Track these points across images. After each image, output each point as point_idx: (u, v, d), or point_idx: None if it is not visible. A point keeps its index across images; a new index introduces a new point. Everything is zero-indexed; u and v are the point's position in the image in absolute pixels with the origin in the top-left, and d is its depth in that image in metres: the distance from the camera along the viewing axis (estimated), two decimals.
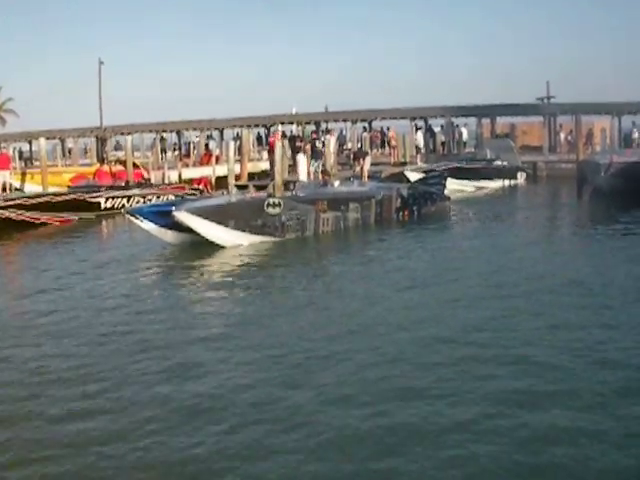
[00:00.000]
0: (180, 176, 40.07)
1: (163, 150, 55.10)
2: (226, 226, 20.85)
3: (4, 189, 34.57)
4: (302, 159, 27.61)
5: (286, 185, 24.72)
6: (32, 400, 9.42)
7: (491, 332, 11.71)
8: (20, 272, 20.42)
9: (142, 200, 30.85)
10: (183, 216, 20.44)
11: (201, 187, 34.55)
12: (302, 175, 24.40)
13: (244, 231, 21.13)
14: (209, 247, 20.59)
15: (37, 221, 28.49)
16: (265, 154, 45.70)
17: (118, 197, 31.44)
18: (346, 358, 10.64)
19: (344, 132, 55.32)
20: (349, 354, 10.83)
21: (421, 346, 11.11)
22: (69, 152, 63.14)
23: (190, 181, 37.40)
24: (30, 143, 66.42)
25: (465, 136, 50.99)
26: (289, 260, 19.61)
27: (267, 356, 10.84)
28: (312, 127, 54.28)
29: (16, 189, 35.58)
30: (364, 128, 54.46)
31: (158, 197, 31.67)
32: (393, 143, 47.49)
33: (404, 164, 40.21)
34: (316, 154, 34.89)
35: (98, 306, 14.54)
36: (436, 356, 10.61)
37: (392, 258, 19.13)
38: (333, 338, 11.62)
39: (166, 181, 37.96)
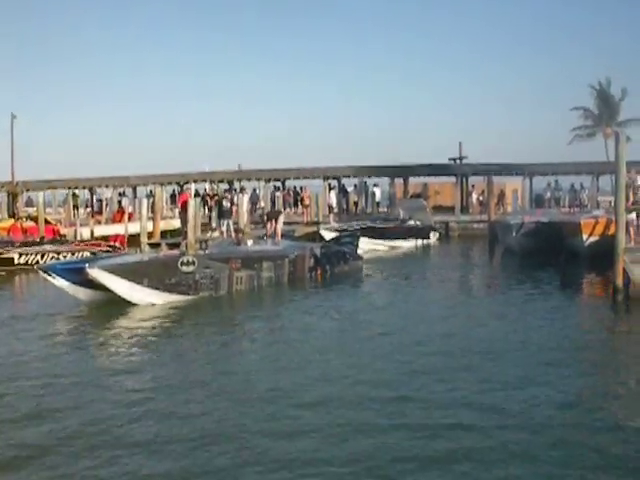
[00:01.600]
0: (92, 233, 39.75)
1: (75, 207, 54.61)
2: (139, 284, 20.77)
3: None
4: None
5: (199, 243, 24.78)
6: None
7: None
8: None
9: (56, 256, 30.56)
10: (96, 273, 20.32)
11: (117, 244, 34.37)
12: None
13: (158, 289, 21.09)
14: (122, 305, 20.42)
15: None
16: (177, 212, 45.81)
17: (32, 253, 31.05)
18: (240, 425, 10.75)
19: (257, 191, 55.70)
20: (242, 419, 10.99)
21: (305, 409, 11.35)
22: None
23: (104, 238, 37.12)
24: None
25: (378, 196, 51.69)
26: (201, 319, 19.55)
27: (174, 423, 10.86)
28: (225, 186, 54.64)
29: None
30: (276, 187, 54.92)
31: (73, 254, 31.23)
32: (306, 202, 47.96)
33: (317, 223, 40.72)
34: (223, 213, 35.19)
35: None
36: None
37: (302, 318, 19.30)
38: (230, 407, 11.56)
39: (78, 238, 37.63)
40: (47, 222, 40.93)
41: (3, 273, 29.49)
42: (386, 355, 14.76)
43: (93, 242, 34.93)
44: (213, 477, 8.88)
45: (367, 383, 12.70)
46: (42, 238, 34.92)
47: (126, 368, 14.24)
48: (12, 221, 40.87)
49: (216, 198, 37.91)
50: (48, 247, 32.16)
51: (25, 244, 32.42)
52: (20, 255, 30.81)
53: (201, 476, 8.89)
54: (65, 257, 30.29)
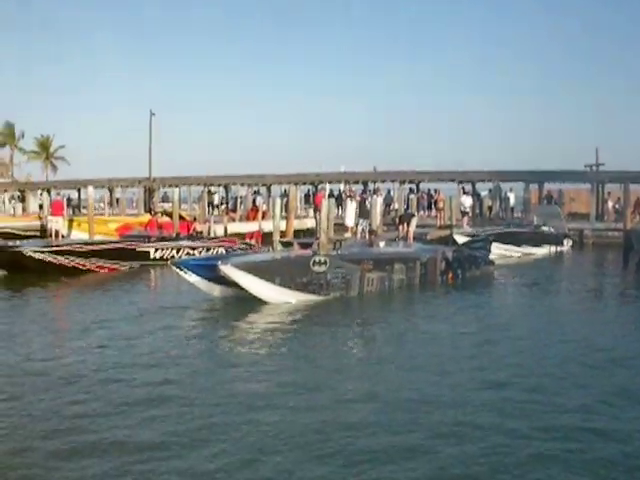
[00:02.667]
0: (226, 230, 40.29)
1: (210, 204, 55.59)
2: (272, 282, 20.82)
3: (57, 235, 35.27)
4: (351, 205, 27.17)
5: (332, 243, 24.71)
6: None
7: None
8: (61, 319, 20.63)
9: (192, 252, 31.15)
10: (228, 270, 20.45)
11: (252, 242, 34.57)
12: (349, 219, 24.06)
13: (289, 288, 21.09)
14: (253, 303, 20.54)
15: (85, 268, 29.00)
16: (311, 212, 46.00)
17: (167, 248, 31.73)
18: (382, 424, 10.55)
19: (391, 193, 55.45)
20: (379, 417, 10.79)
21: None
22: (117, 201, 64.02)
23: (238, 235, 37.47)
24: (79, 191, 67.49)
25: (512, 201, 50.81)
26: (332, 319, 19.43)
27: (303, 420, 10.75)
28: (360, 186, 54.67)
29: (62, 236, 36.14)
30: (411, 189, 54.55)
31: (208, 250, 31.82)
32: (440, 205, 47.52)
33: (450, 227, 40.19)
34: (363, 213, 34.99)
35: (130, 359, 14.55)
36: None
37: (434, 322, 18.93)
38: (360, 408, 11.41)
39: (212, 235, 38.21)
40: (182, 218, 41.74)
41: (139, 266, 30.19)
42: (527, 359, 14.40)
43: (228, 239, 35.46)
44: None
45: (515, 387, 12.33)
46: (178, 234, 35.59)
47: (251, 362, 14.30)
48: (148, 216, 41.85)
49: (360, 196, 37.72)
50: (183, 242, 32.84)
51: (161, 239, 33.10)
52: (156, 250, 31.50)
53: None
54: (200, 253, 30.84)
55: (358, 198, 33.60)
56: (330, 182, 56.50)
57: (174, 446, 9.61)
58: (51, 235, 36.52)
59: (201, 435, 10.03)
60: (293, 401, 11.59)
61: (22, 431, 10.25)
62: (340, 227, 33.72)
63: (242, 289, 20.75)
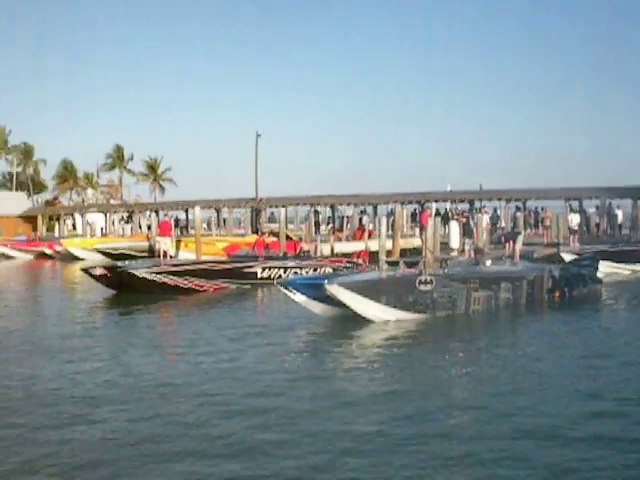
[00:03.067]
0: (332, 250, 40.55)
1: (317, 223, 56.08)
2: (377, 301, 21.00)
3: (164, 255, 36.19)
4: (454, 226, 27.14)
5: (438, 262, 24.70)
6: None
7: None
8: (168, 337, 21.41)
9: (299, 271, 31.47)
10: (335, 289, 20.70)
11: (360, 261, 34.65)
12: (453, 241, 24.03)
13: (395, 307, 21.24)
14: (358, 322, 20.74)
15: (193, 288, 29.76)
16: (418, 231, 46.00)
17: (275, 267, 32.08)
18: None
19: (498, 211, 55.02)
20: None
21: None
22: (224, 222, 65.19)
23: (344, 255, 37.63)
24: (186, 212, 68.94)
25: (620, 218, 49.73)
26: (439, 339, 19.60)
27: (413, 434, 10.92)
28: (466, 205, 54.43)
29: (170, 256, 37.01)
30: (517, 208, 54.00)
31: (315, 269, 32.06)
32: (547, 223, 46.90)
33: (557, 245, 39.65)
34: (468, 232, 34.87)
35: (237, 374, 15.03)
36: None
37: (540, 343, 18.67)
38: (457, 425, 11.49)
39: (318, 254, 38.55)
40: (288, 238, 42.30)
41: (248, 286, 30.71)
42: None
43: (334, 258, 35.65)
44: None
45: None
46: (285, 253, 36.04)
47: (358, 381, 14.50)
48: (255, 237, 42.56)
49: (464, 217, 37.59)
50: (290, 262, 33.19)
51: (268, 259, 33.57)
52: (263, 269, 31.91)
53: None
54: (307, 272, 31.16)
55: (463, 219, 33.24)
56: (436, 201, 56.43)
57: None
58: (159, 255, 37.48)
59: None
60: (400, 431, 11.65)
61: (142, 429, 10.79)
62: (446, 246, 33.66)
63: (348, 308, 20.94)
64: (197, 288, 30.06)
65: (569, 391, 13.54)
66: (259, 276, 31.72)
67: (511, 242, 32.67)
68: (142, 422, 11.77)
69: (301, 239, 45.57)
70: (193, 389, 13.81)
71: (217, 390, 13.66)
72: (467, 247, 33.69)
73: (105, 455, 10.29)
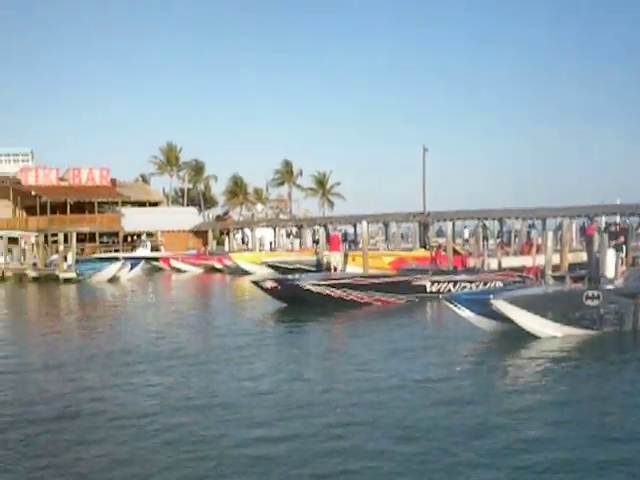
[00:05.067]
0: (500, 264, 40.32)
1: (485, 238, 55.85)
2: (544, 317, 20.90)
3: (334, 269, 37.05)
4: (611, 253, 26.79)
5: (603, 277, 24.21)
6: None
7: None
8: (336, 349, 21.99)
9: (468, 286, 31.44)
10: (501, 305, 20.78)
11: (530, 275, 34.23)
12: (607, 271, 23.43)
13: (561, 323, 21.07)
14: (525, 337, 20.73)
15: (362, 301, 30.37)
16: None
17: (444, 282, 32.20)
18: None
19: None
20: None
21: None
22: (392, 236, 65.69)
23: (512, 269, 37.26)
24: (354, 226, 69.83)
25: None
26: (605, 356, 19.38)
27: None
28: (637, 219, 52.96)
29: (334, 269, 37.77)
30: None
31: (485, 284, 31.76)
32: None
33: None
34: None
35: (408, 388, 15.39)
36: None
37: None
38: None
39: (485, 268, 38.45)
40: (456, 252, 42.37)
41: (416, 299, 31.11)
42: None
43: (504, 272, 35.24)
44: None
45: None
46: (455, 267, 36.13)
47: (527, 398, 14.57)
48: (423, 251, 42.87)
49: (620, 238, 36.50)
50: (460, 277, 33.27)
51: (437, 272, 33.79)
52: (432, 283, 32.14)
53: None
54: (477, 286, 31.09)
55: (620, 239, 31.93)
56: (605, 214, 55.13)
57: None
58: (328, 269, 38.30)
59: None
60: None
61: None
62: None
63: (514, 324, 20.93)
64: (366, 301, 30.63)
65: None
66: (428, 290, 31.92)
67: None
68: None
69: (470, 253, 45.44)
70: (370, 398, 14.37)
71: (391, 402, 14.10)
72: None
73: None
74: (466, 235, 62.35)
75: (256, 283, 32.85)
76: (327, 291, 30.47)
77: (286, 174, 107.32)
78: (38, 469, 10.73)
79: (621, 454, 11.00)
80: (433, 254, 39.97)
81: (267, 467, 10.62)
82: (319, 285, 30.72)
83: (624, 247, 30.49)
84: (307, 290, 30.48)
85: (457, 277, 33.12)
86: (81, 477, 10.43)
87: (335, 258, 38.69)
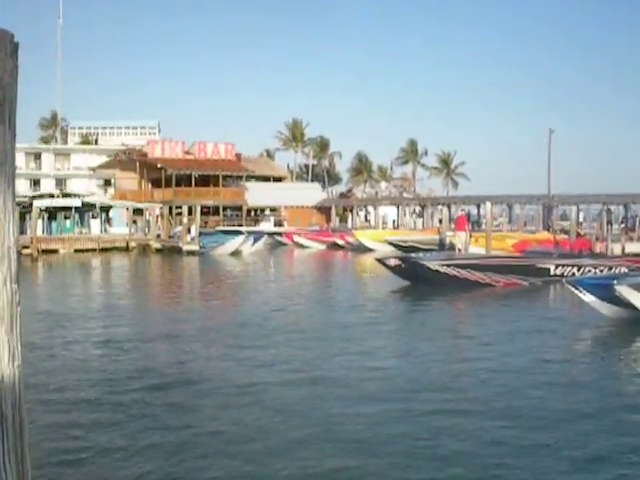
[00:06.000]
0: (623, 249, 39.83)
1: (609, 222, 55.22)
2: None
3: (459, 249, 37.34)
4: None
5: None
6: None
7: None
8: (457, 330, 22.27)
9: (593, 270, 31.09)
10: (624, 290, 20.48)
11: None
12: None
13: None
14: None
15: (484, 282, 30.84)
16: None
17: (568, 265, 31.96)
18: None
19: None
20: None
21: None
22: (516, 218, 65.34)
23: (638, 255, 36.15)
24: (478, 207, 69.59)
25: None
26: None
27: None
28: None
29: (458, 250, 38.16)
30: None
31: (610, 268, 31.11)
32: None
33: None
34: None
35: (523, 371, 15.43)
36: None
37: None
38: None
39: (609, 253, 38.17)
40: (580, 236, 42.10)
41: (540, 282, 31.30)
42: None
43: (630, 258, 34.54)
44: None
45: None
46: (580, 251, 35.88)
47: None
48: (546, 234, 42.76)
49: None
50: (585, 260, 33.02)
51: (562, 256, 33.87)
52: (556, 266, 32.05)
53: None
54: (601, 271, 30.64)
55: None
56: None
57: None
58: (451, 249, 38.56)
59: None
60: None
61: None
62: None
63: (637, 310, 20.61)
64: (489, 282, 30.90)
65: None
66: (552, 273, 31.64)
67: None
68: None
69: (597, 238, 44.76)
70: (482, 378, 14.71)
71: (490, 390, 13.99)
72: None
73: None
74: (580, 218, 61.60)
75: (380, 260, 33.49)
76: (451, 271, 30.83)
77: (411, 153, 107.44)
78: (147, 429, 11.27)
79: None
80: (553, 238, 39.64)
81: (367, 446, 10.58)
82: (444, 264, 31.13)
83: None
84: (431, 269, 30.88)
85: (582, 261, 32.77)
86: (188, 438, 10.96)
87: (460, 238, 38.73)
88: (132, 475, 9.43)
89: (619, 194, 60.76)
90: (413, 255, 34.06)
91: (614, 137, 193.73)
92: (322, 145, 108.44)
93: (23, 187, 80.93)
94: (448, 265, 31.13)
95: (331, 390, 13.74)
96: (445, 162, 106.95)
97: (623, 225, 56.22)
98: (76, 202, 63.45)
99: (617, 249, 39.77)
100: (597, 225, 52.28)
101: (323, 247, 63.99)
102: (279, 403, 12.83)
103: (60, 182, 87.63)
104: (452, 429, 11.34)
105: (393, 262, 32.39)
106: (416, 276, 31.32)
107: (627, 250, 39.56)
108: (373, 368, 15.60)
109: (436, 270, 30.84)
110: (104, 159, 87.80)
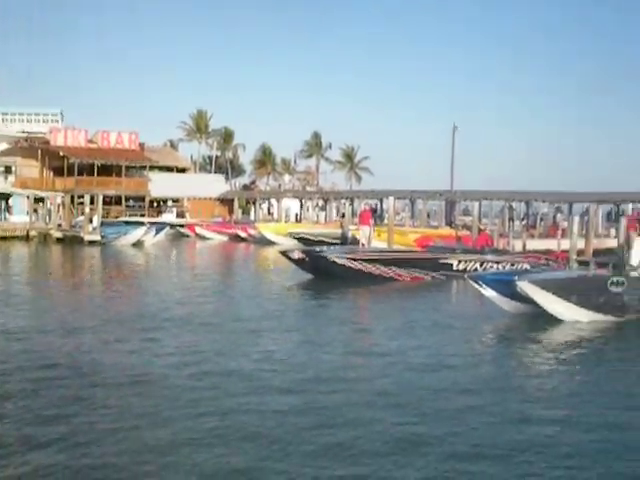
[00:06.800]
0: (524, 246, 40.25)
1: (511, 219, 55.81)
2: (567, 301, 20.90)
3: (363, 244, 37.23)
4: (638, 241, 26.51)
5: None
6: None
7: None
8: (357, 323, 22.16)
9: (495, 266, 31.38)
10: (525, 286, 20.81)
11: (557, 260, 33.84)
12: (633, 258, 23.16)
13: (584, 307, 21.08)
14: (548, 320, 20.77)
15: (387, 276, 30.70)
16: (613, 231, 45.02)
17: (471, 261, 32.27)
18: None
19: None
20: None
21: None
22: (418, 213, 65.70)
23: (538, 252, 36.85)
24: (380, 201, 69.88)
25: None
26: (626, 344, 19.53)
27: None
28: None
29: (362, 244, 37.87)
30: None
31: (512, 264, 31.58)
32: None
33: None
34: None
35: (411, 367, 15.36)
36: None
37: None
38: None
39: (510, 250, 38.35)
40: (481, 232, 42.35)
41: (443, 277, 31.35)
42: None
43: (532, 254, 35.11)
44: None
45: None
46: (483, 247, 36.12)
47: (542, 382, 14.78)
48: (448, 229, 42.91)
49: None
50: (488, 256, 33.28)
51: (465, 251, 33.90)
52: (459, 262, 32.25)
53: None
54: (504, 267, 30.99)
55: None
56: (633, 202, 54.79)
57: None
58: (353, 243, 38.44)
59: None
60: None
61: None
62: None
63: (537, 306, 21.01)
64: (392, 276, 30.91)
65: None
66: (454, 268, 31.97)
67: None
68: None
69: (501, 234, 45.02)
70: (368, 374, 14.58)
71: (389, 381, 14.11)
72: None
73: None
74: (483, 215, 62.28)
75: (284, 253, 33.20)
76: (354, 265, 30.70)
77: (315, 146, 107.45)
78: (36, 420, 11.16)
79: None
80: (455, 233, 39.82)
81: (261, 438, 10.67)
82: (348, 258, 30.96)
83: None
84: (335, 263, 30.71)
85: (484, 257, 33.13)
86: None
87: (364, 232, 38.71)
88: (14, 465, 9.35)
89: (521, 191, 61.54)
90: (317, 249, 33.81)
91: (519, 136, 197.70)
92: (226, 136, 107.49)
93: None
94: (352, 259, 30.92)
95: (229, 382, 13.70)
96: (349, 156, 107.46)
97: (525, 222, 56.94)
98: None
99: (518, 246, 40.18)
100: (499, 222, 52.72)
101: (225, 239, 63.41)
102: (173, 394, 12.71)
103: None
104: (349, 421, 11.50)
105: (297, 255, 32.11)
106: (320, 269, 31.13)
107: (528, 247, 40.12)
108: (273, 360, 15.64)
109: (340, 264, 30.64)
110: (5, 146, 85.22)
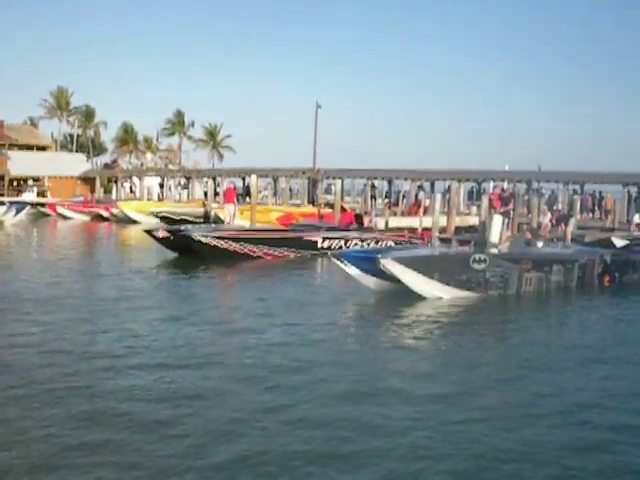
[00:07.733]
0: (387, 224, 40.68)
1: (373, 197, 56.36)
2: (430, 277, 21.19)
3: (228, 222, 37.08)
4: (497, 219, 27.17)
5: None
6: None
7: None
8: (218, 301, 22.05)
9: (360, 244, 31.81)
10: (388, 263, 20.93)
11: (422, 238, 34.24)
12: (492, 236, 23.75)
13: (447, 284, 21.45)
14: (411, 297, 21.01)
15: (252, 254, 30.68)
16: (474, 209, 46.03)
17: (335, 238, 32.56)
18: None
19: (555, 193, 54.63)
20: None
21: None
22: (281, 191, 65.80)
23: (401, 229, 37.17)
24: (243, 180, 69.69)
25: None
26: (489, 318, 19.90)
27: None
28: (523, 186, 54.17)
29: (227, 223, 37.73)
30: (574, 191, 53.56)
31: (377, 242, 32.15)
32: (608, 208, 46.52)
33: (612, 230, 39.40)
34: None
35: (270, 347, 15.07)
36: None
37: (591, 327, 18.93)
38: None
39: (374, 227, 38.75)
40: (344, 210, 42.62)
41: (308, 255, 31.46)
42: None
43: (396, 233, 35.55)
44: None
45: None
46: (348, 225, 36.37)
47: (399, 359, 14.74)
48: (311, 207, 43.01)
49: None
50: (352, 234, 33.57)
51: (330, 229, 34.03)
52: (324, 239, 32.45)
53: None
54: (369, 245, 31.50)
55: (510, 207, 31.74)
56: (494, 180, 56.25)
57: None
58: (216, 221, 38.17)
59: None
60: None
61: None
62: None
63: (400, 283, 21.20)
64: (258, 255, 30.97)
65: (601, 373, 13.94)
66: (319, 246, 32.28)
67: (563, 225, 32.73)
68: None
69: (366, 212, 45.48)
70: (224, 358, 14.14)
71: (250, 361, 13.87)
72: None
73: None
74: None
75: (148, 232, 32.66)
76: (219, 243, 30.49)
77: (177, 125, 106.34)
78: None
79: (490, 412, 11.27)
80: (317, 211, 40.03)
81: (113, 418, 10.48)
82: (212, 237, 30.69)
83: (512, 213, 31.09)
84: (200, 242, 30.38)
85: (349, 235, 33.42)
86: None
87: (228, 210, 38.59)
88: None
89: (383, 169, 62.31)
90: (182, 227, 33.50)
91: (385, 113, 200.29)
92: (87, 114, 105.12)
93: None
94: (217, 237, 30.67)
95: (92, 364, 13.24)
96: (212, 134, 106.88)
97: (387, 200, 57.59)
98: None
99: (381, 223, 40.51)
100: (362, 200, 53.20)
101: (87, 218, 61.76)
102: (31, 381, 12.11)
103: None
104: (211, 398, 11.45)
105: (162, 234, 31.64)
106: (185, 248, 30.80)
107: (391, 224, 40.55)
108: (129, 338, 15.32)
109: (205, 242, 30.31)
110: None
